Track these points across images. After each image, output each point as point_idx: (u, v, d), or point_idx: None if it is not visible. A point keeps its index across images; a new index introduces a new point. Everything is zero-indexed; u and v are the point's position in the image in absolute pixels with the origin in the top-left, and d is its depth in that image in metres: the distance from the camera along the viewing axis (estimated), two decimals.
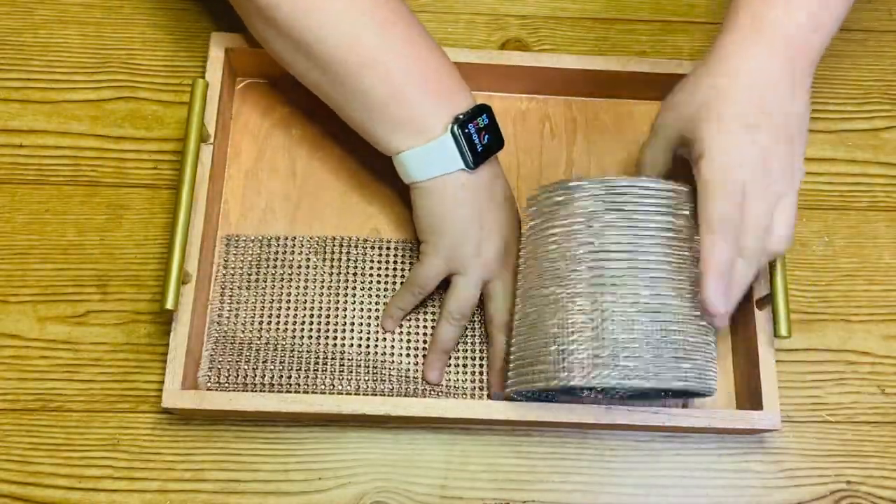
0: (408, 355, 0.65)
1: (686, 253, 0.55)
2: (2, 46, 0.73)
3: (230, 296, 0.65)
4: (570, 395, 0.61)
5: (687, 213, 0.56)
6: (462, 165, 0.59)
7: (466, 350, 0.65)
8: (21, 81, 0.72)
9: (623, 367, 0.53)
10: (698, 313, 0.55)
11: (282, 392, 0.62)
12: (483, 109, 0.60)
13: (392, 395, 0.63)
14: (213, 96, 0.65)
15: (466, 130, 0.58)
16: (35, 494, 0.61)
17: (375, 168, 0.69)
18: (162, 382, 0.59)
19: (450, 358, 0.64)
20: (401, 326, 0.65)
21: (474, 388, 0.64)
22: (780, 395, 0.61)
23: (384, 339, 0.65)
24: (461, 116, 0.59)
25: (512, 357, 0.58)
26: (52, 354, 0.64)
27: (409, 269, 0.66)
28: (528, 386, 0.56)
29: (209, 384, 0.63)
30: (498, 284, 0.62)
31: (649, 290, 0.54)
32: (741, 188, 0.53)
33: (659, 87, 0.71)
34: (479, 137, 0.59)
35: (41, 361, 0.64)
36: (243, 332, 0.64)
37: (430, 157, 0.59)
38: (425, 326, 0.65)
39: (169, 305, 0.57)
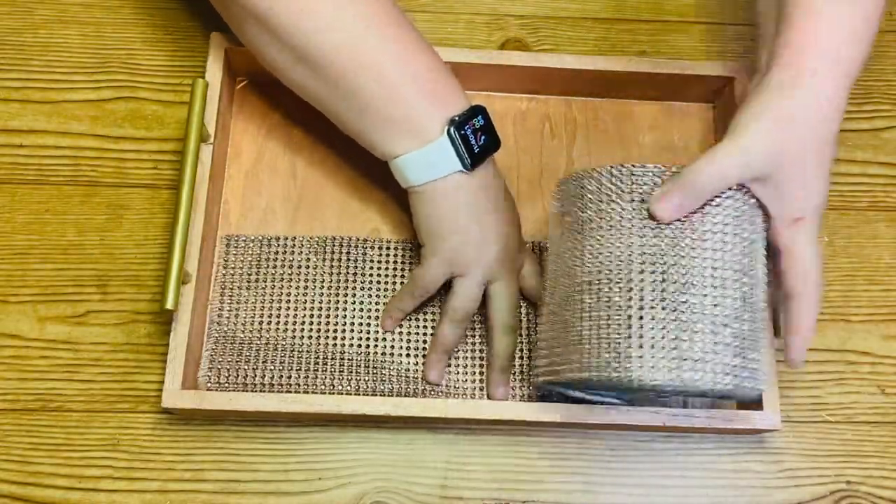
0: (408, 355, 0.65)
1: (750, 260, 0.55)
2: (2, 46, 0.73)
3: (230, 296, 0.65)
4: (607, 395, 0.60)
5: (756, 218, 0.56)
6: (460, 167, 0.59)
7: (467, 350, 0.65)
8: (21, 81, 0.72)
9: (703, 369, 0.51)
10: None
11: (282, 392, 0.62)
12: (478, 110, 0.60)
13: (392, 395, 0.63)
14: (213, 96, 0.65)
15: (463, 132, 0.58)
16: (35, 494, 0.61)
17: (375, 169, 0.69)
18: (162, 382, 0.59)
19: (450, 358, 0.64)
20: (401, 326, 0.65)
21: (474, 388, 0.64)
22: (780, 395, 0.61)
23: (384, 339, 0.65)
24: (457, 118, 0.58)
25: (546, 342, 0.57)
26: (52, 354, 0.64)
27: (410, 269, 0.67)
28: (574, 376, 0.54)
29: (209, 384, 0.63)
30: (499, 285, 0.62)
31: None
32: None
33: (659, 87, 0.71)
34: (476, 138, 0.59)
35: (41, 361, 0.64)
36: (243, 332, 0.64)
37: (427, 160, 0.59)
38: (425, 326, 0.65)
39: (169, 305, 0.57)
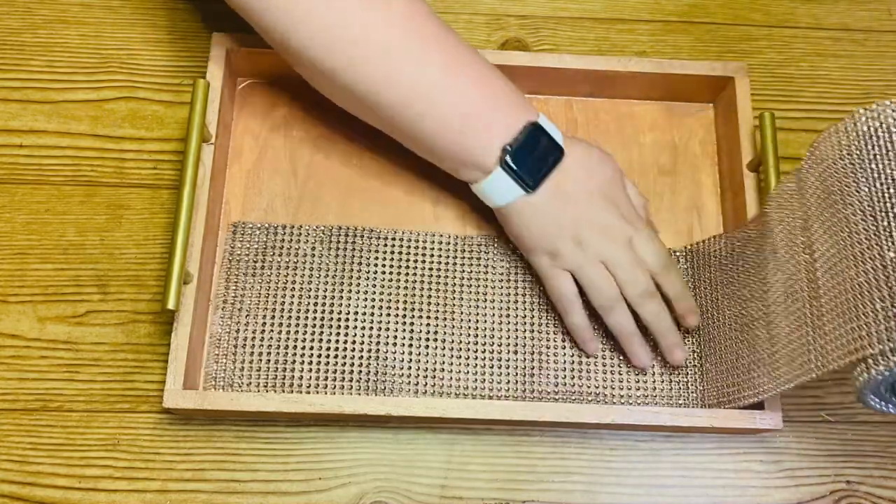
0: (411, 345, 0.64)
1: None
2: (2, 46, 0.73)
3: (235, 283, 0.65)
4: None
5: None
6: (523, 192, 0.60)
7: (469, 350, 0.65)
8: (21, 81, 0.72)
9: None
10: None
11: (283, 392, 0.62)
12: (532, 127, 0.60)
13: (394, 390, 0.63)
14: (213, 96, 0.65)
15: (519, 156, 0.59)
16: (35, 494, 0.61)
17: (376, 168, 0.69)
18: (162, 382, 0.59)
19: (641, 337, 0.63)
20: (404, 316, 0.65)
21: (476, 388, 0.64)
22: (780, 395, 0.61)
23: (387, 329, 0.64)
24: (509, 146, 0.59)
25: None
26: (52, 354, 0.64)
27: (414, 261, 0.67)
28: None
29: (213, 383, 0.63)
30: (614, 262, 0.61)
31: None
32: None
33: (659, 87, 0.71)
34: (534, 158, 0.60)
35: (41, 361, 0.64)
36: (247, 321, 0.64)
37: (495, 187, 0.60)
38: (428, 316, 0.65)
39: (170, 306, 0.57)
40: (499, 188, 0.60)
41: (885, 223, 0.48)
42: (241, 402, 0.59)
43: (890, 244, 0.47)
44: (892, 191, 0.49)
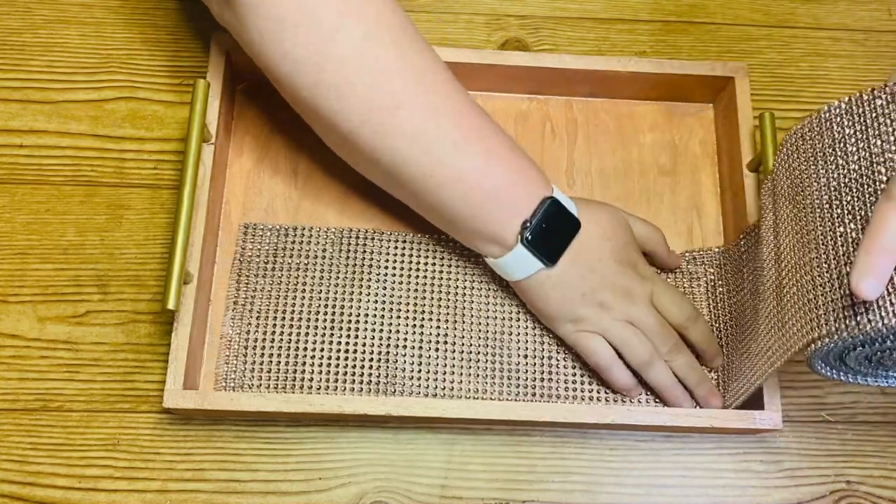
0: (420, 346, 0.64)
1: None
2: (2, 46, 0.73)
3: (245, 293, 0.65)
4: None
5: None
6: (542, 266, 0.60)
7: (479, 354, 0.65)
8: (21, 81, 0.72)
9: None
10: None
11: (285, 392, 0.62)
12: (548, 203, 0.60)
13: (403, 390, 0.63)
14: (214, 96, 0.65)
15: (538, 232, 0.59)
16: (35, 494, 0.61)
17: None
18: (162, 382, 0.59)
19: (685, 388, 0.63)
20: (413, 319, 0.65)
21: (485, 392, 0.64)
22: (779, 395, 0.61)
23: (397, 332, 0.64)
24: (528, 223, 0.59)
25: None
26: (52, 354, 0.64)
27: (425, 263, 0.67)
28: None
29: (225, 384, 0.63)
30: (639, 321, 0.62)
31: None
32: None
33: (659, 87, 0.71)
34: (551, 233, 0.60)
35: (41, 361, 0.64)
36: (257, 322, 0.64)
37: (515, 263, 0.60)
38: (438, 318, 0.65)
39: (171, 306, 0.57)
40: (518, 264, 0.60)
41: (840, 210, 0.49)
42: (241, 402, 0.59)
43: (841, 230, 0.49)
44: (845, 180, 0.50)
